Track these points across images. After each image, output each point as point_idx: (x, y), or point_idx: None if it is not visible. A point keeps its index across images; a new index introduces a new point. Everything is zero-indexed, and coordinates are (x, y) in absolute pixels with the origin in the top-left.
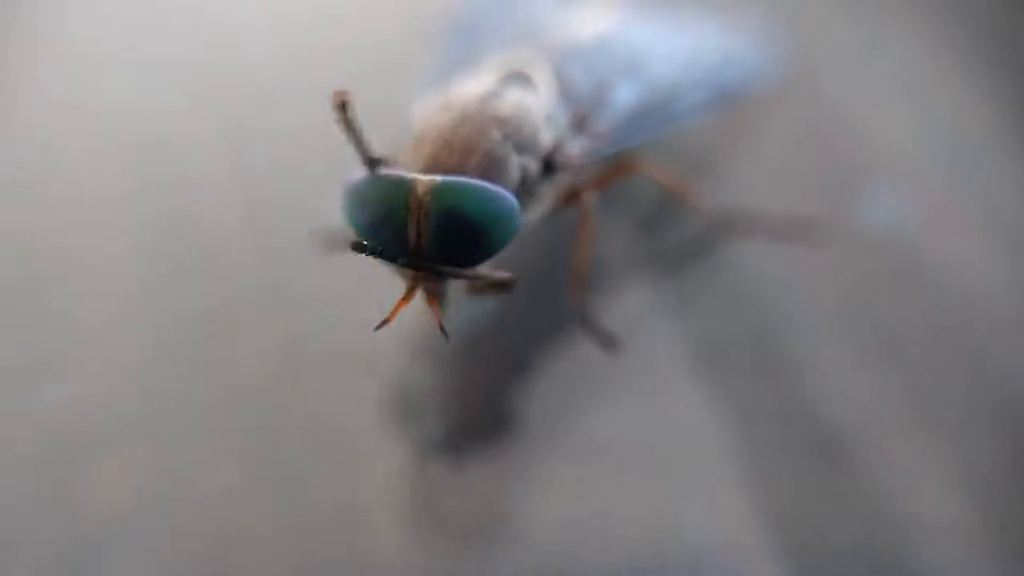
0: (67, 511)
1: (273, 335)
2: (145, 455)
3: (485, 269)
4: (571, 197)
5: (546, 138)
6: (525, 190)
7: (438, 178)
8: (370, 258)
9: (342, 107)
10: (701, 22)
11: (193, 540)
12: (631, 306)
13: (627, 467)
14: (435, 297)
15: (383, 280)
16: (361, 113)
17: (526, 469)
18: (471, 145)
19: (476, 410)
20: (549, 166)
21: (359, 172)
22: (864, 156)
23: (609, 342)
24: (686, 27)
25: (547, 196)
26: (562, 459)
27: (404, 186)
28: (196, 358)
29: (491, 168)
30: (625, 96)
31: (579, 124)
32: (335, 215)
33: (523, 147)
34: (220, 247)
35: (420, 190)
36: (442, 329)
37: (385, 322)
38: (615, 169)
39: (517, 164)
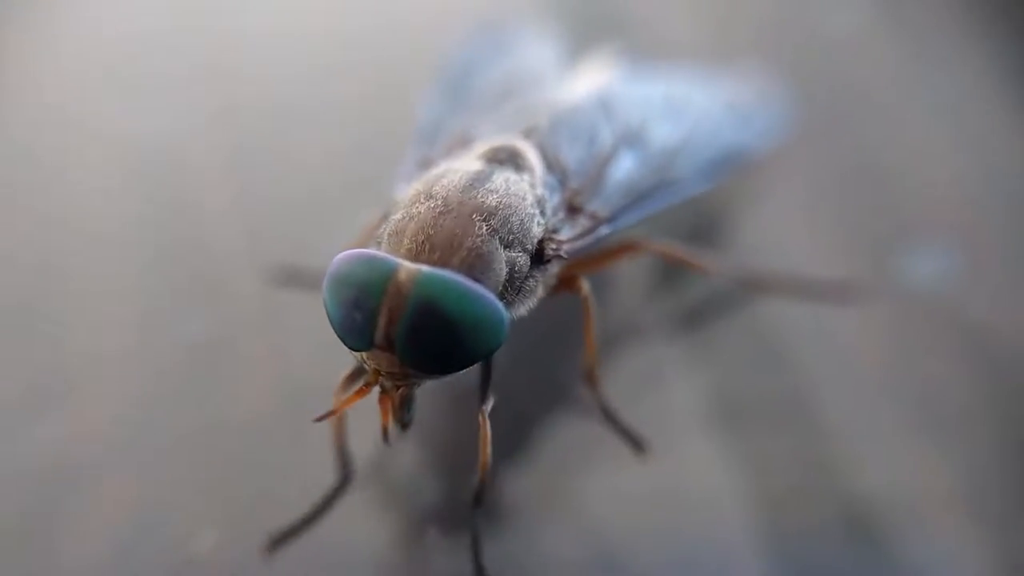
0: (58, 541)
1: (270, 366)
2: (139, 485)
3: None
4: (566, 282)
5: (536, 227)
6: (513, 287)
7: (424, 268)
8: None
9: None
10: (703, 75)
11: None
12: (645, 361)
13: (638, 530)
14: (391, 397)
15: None
16: (366, 135)
17: (536, 527)
18: (454, 240)
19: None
20: (539, 255)
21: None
22: (909, 206)
23: (637, 443)
24: (687, 82)
25: (538, 290)
26: (571, 520)
27: (386, 268)
28: (191, 388)
29: (476, 267)
30: (624, 169)
31: (573, 204)
32: (331, 250)
33: (511, 241)
34: (219, 274)
35: (402, 276)
36: (385, 435)
37: (329, 414)
38: (615, 250)
39: (504, 259)
